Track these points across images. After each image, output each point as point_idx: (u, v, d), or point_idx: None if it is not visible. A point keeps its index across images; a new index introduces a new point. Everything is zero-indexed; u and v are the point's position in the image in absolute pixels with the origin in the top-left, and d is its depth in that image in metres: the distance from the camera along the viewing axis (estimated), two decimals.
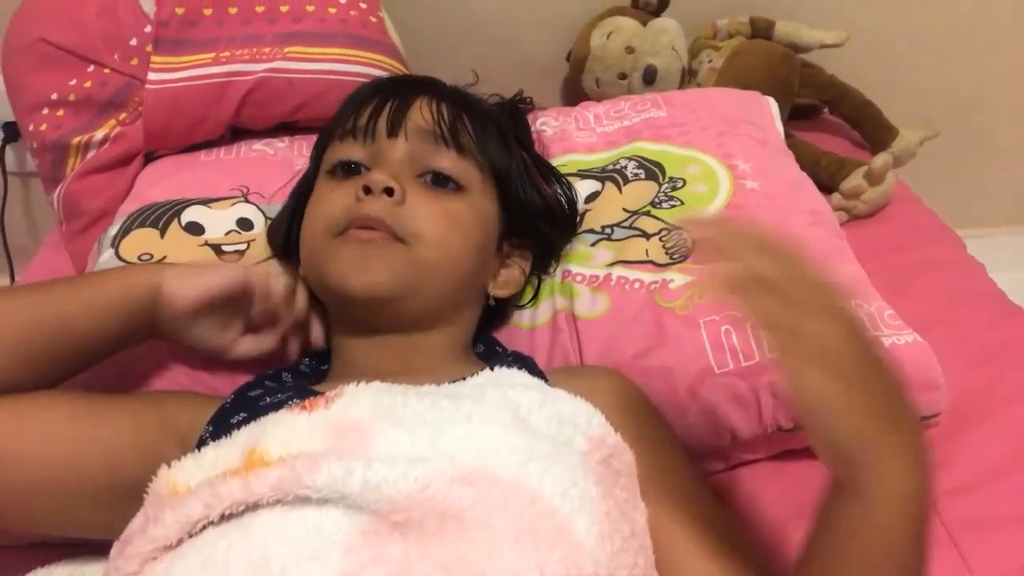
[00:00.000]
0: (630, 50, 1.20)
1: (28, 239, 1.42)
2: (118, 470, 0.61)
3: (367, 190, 0.67)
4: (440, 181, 0.70)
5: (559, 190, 0.83)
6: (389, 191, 0.66)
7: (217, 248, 0.84)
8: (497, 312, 0.78)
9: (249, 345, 0.73)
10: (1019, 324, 0.91)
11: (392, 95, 0.73)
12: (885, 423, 0.47)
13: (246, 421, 0.60)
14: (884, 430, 0.47)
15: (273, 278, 0.72)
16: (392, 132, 0.71)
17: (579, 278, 0.80)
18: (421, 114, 0.72)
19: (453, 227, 0.68)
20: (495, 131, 0.76)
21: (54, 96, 0.98)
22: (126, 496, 0.57)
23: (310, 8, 1.01)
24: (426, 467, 0.50)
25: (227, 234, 0.85)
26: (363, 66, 1.01)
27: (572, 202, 0.83)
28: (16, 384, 0.62)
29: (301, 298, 0.74)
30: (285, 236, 0.78)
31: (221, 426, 0.62)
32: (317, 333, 0.76)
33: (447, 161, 0.71)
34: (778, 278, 0.47)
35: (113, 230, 0.86)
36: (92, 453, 0.61)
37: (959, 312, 0.92)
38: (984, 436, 0.77)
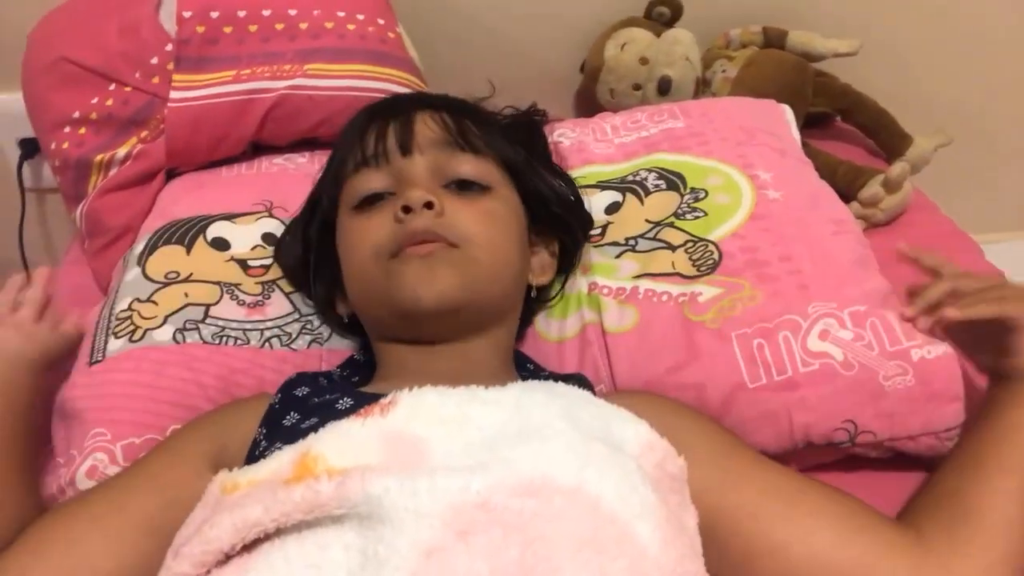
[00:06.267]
0: (644, 61, 1.21)
1: (44, 255, 1.42)
2: None
3: (407, 209, 0.67)
4: (466, 186, 0.71)
5: (564, 185, 0.84)
6: (429, 205, 0.67)
7: (243, 263, 0.85)
8: (528, 314, 0.79)
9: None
10: None
11: (391, 116, 0.73)
12: None
13: (300, 422, 0.60)
14: None
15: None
16: (406, 150, 0.71)
17: (606, 290, 0.80)
18: (427, 126, 0.72)
19: (495, 225, 0.70)
20: (497, 128, 0.78)
21: (76, 114, 0.98)
22: None
23: (329, 25, 1.02)
24: (486, 477, 0.49)
25: (253, 249, 0.86)
26: (383, 82, 1.01)
27: (578, 194, 0.84)
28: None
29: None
30: (303, 273, 0.80)
31: (274, 428, 0.61)
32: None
33: (467, 165, 0.72)
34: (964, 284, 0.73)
35: (138, 248, 0.87)
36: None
37: None
38: None
